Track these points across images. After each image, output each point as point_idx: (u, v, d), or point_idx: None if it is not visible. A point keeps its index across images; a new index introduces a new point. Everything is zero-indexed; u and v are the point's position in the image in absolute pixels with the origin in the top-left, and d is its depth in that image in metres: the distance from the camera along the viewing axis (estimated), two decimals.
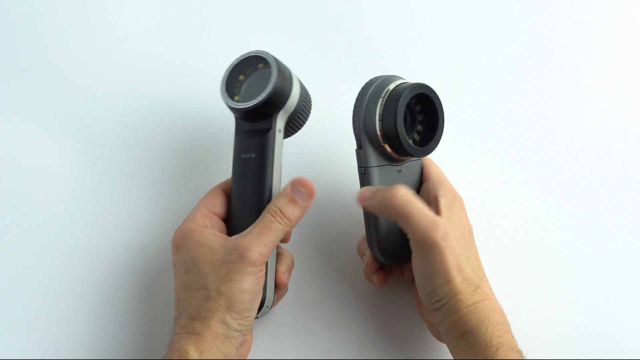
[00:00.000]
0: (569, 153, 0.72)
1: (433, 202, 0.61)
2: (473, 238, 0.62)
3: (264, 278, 0.58)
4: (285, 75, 0.60)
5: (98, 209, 0.70)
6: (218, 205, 0.62)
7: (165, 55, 0.73)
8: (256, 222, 0.58)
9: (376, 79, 0.61)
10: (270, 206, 0.58)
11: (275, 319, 0.65)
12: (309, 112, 0.63)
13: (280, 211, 0.58)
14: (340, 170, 0.71)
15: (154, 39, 0.74)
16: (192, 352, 0.54)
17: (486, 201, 0.68)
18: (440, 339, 0.60)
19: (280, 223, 0.58)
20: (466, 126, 0.71)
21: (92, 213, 0.69)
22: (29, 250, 0.68)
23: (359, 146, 0.61)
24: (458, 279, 0.57)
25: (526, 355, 0.58)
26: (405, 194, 0.58)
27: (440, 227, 0.58)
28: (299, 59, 0.73)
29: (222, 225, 0.61)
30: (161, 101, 0.72)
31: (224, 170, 0.68)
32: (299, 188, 0.59)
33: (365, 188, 0.60)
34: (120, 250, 0.68)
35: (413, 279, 0.63)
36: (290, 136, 0.63)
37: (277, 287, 0.63)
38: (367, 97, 0.60)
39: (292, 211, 0.58)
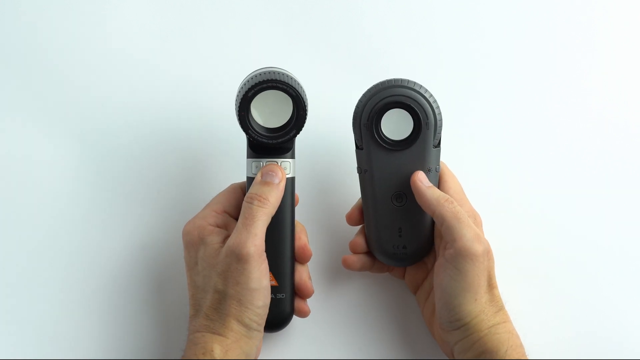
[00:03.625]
0: (567, 156, 0.72)
1: None
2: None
3: (267, 268, 0.58)
4: None
5: (103, 207, 0.70)
6: (234, 206, 0.62)
7: (166, 56, 0.73)
8: (240, 216, 0.59)
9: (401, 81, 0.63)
10: (246, 196, 0.59)
11: None
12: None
13: (257, 194, 0.59)
14: (343, 171, 0.71)
15: (154, 39, 0.73)
16: (218, 351, 0.56)
17: (484, 202, 0.68)
18: (452, 357, 0.60)
19: (259, 206, 0.58)
20: (465, 127, 0.71)
21: (97, 212, 0.70)
22: (34, 249, 0.69)
23: (439, 145, 0.63)
24: (484, 299, 0.58)
25: (527, 356, 0.59)
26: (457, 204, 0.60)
27: (484, 241, 0.58)
28: (298, 59, 0.73)
29: (234, 225, 0.61)
30: (164, 99, 0.72)
31: (234, 169, 0.68)
32: (269, 172, 0.60)
33: (424, 175, 0.62)
34: (127, 248, 0.69)
35: (425, 298, 0.64)
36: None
37: (302, 295, 0.64)
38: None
39: (268, 192, 0.59)
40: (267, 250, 0.60)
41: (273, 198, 0.59)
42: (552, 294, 0.69)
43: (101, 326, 0.67)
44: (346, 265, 0.65)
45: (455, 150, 0.66)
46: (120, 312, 0.67)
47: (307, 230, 0.65)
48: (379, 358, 0.67)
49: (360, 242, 0.65)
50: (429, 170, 0.62)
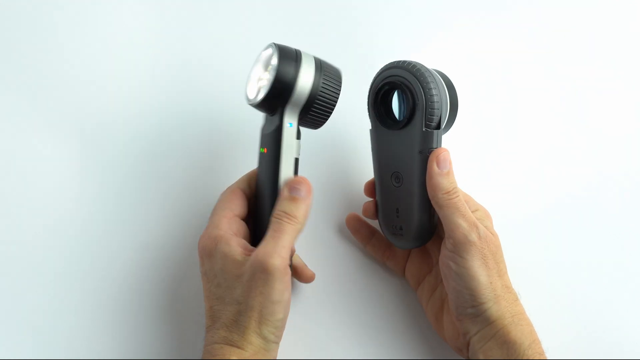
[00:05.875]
0: (568, 154, 0.72)
1: None
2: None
3: (290, 283, 0.58)
4: (288, 73, 0.58)
5: (108, 207, 0.69)
6: (240, 206, 0.61)
7: (168, 51, 0.72)
8: (268, 230, 0.58)
9: (401, 63, 0.61)
10: (274, 212, 0.58)
11: None
12: (331, 103, 0.60)
13: (285, 212, 0.58)
14: (347, 163, 0.71)
15: (156, 37, 0.73)
16: None
17: (484, 199, 0.68)
18: (461, 353, 0.60)
19: (289, 223, 0.58)
20: (465, 126, 0.71)
21: (103, 212, 0.69)
22: (38, 252, 0.68)
23: (437, 127, 0.61)
24: (499, 284, 0.58)
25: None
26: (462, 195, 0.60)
27: (481, 229, 0.59)
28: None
29: (245, 227, 0.61)
30: (167, 97, 0.72)
31: (238, 167, 0.67)
32: (295, 187, 0.59)
33: (445, 158, 0.60)
34: (133, 249, 0.68)
35: (429, 294, 0.64)
36: (317, 127, 0.62)
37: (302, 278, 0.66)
38: (437, 84, 0.60)
39: (296, 209, 0.58)
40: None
41: (301, 214, 0.58)
42: (551, 293, 0.69)
43: (108, 329, 0.67)
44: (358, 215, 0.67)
45: (457, 147, 0.66)
46: (126, 314, 0.67)
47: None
48: (379, 357, 0.66)
49: (372, 208, 0.66)
50: (419, 152, 0.61)
